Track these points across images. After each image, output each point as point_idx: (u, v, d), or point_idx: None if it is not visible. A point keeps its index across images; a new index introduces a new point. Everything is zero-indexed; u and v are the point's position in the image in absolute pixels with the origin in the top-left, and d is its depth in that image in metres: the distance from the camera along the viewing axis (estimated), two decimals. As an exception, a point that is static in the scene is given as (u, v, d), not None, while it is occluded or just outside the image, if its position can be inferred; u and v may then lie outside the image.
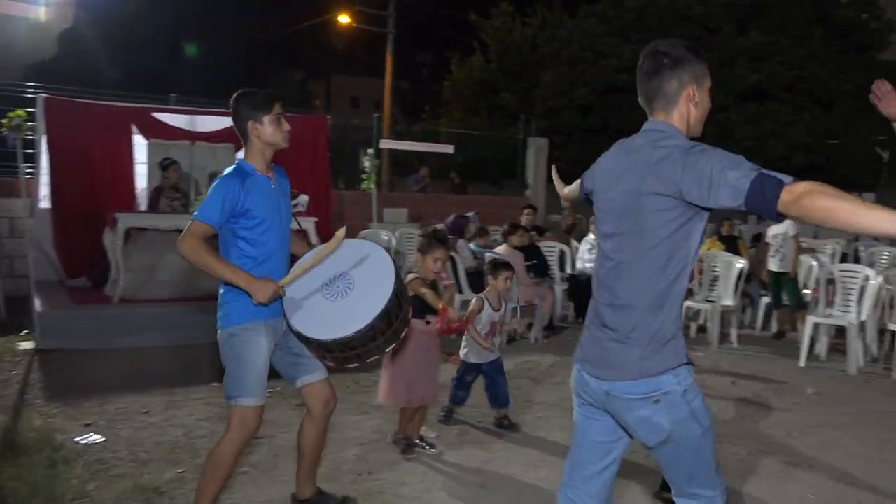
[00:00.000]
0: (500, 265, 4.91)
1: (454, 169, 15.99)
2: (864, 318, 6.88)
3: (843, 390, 6.06)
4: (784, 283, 8.05)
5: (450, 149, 12.20)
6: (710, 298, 7.86)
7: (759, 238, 9.19)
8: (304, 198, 7.68)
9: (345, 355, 2.86)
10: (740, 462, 4.27)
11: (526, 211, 9.72)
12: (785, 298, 8.13)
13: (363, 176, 10.79)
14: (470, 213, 10.20)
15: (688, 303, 7.84)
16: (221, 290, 2.93)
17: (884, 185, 16.67)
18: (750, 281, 8.56)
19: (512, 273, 4.88)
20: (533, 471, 4.01)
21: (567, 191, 2.76)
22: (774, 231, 8.28)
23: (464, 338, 4.71)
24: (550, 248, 8.99)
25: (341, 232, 2.98)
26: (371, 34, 22.68)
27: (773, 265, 8.12)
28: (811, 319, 7.03)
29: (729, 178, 1.80)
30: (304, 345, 2.92)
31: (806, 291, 8.12)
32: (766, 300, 8.56)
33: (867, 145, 16.34)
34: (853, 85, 16.55)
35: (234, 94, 2.96)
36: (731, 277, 7.83)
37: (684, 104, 2.08)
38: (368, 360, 2.92)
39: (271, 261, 2.94)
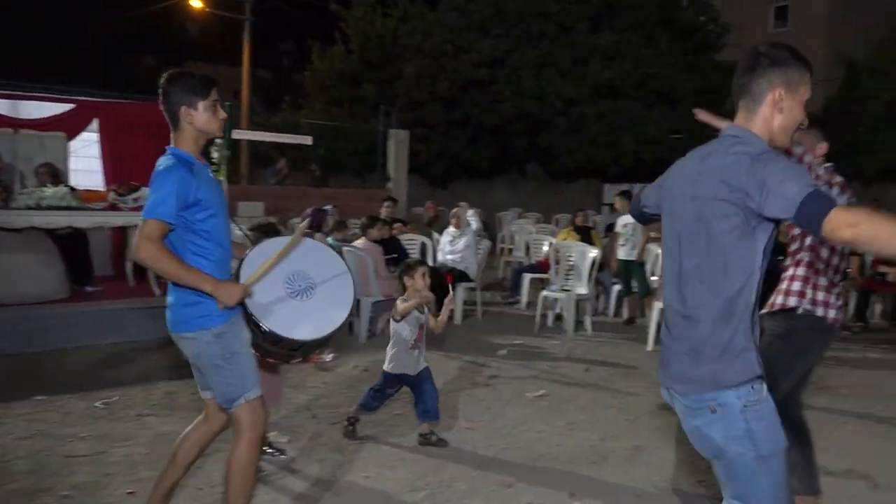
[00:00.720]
0: (411, 264, 4.51)
1: (315, 161, 15.61)
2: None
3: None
4: (633, 270, 8.41)
5: (307, 140, 11.87)
6: (565, 287, 8.07)
7: (611, 228, 9.57)
8: (146, 191, 7.13)
9: (297, 353, 2.97)
10: (592, 448, 4.35)
11: (385, 203, 9.60)
12: (634, 285, 8.50)
13: (213, 167, 10.22)
14: (328, 207, 9.96)
15: (544, 292, 8.03)
16: (184, 290, 2.69)
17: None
18: (602, 269, 8.88)
19: (426, 268, 4.53)
20: (388, 472, 3.89)
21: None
22: (624, 221, 8.63)
23: (389, 349, 4.34)
24: (412, 241, 8.92)
25: (303, 225, 3.00)
26: (229, 20, 21.72)
27: (622, 253, 8.46)
28: (657, 305, 7.37)
29: (786, 189, 1.76)
30: (267, 345, 2.88)
31: (653, 278, 8.52)
32: (617, 288, 8.92)
33: (707, 140, 17.47)
34: (695, 84, 17.72)
35: (166, 76, 2.77)
36: (584, 266, 8.08)
37: (768, 107, 1.99)
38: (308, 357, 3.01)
39: (226, 259, 2.82)
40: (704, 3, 19.25)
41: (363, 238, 7.51)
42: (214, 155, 9.91)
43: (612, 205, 17.50)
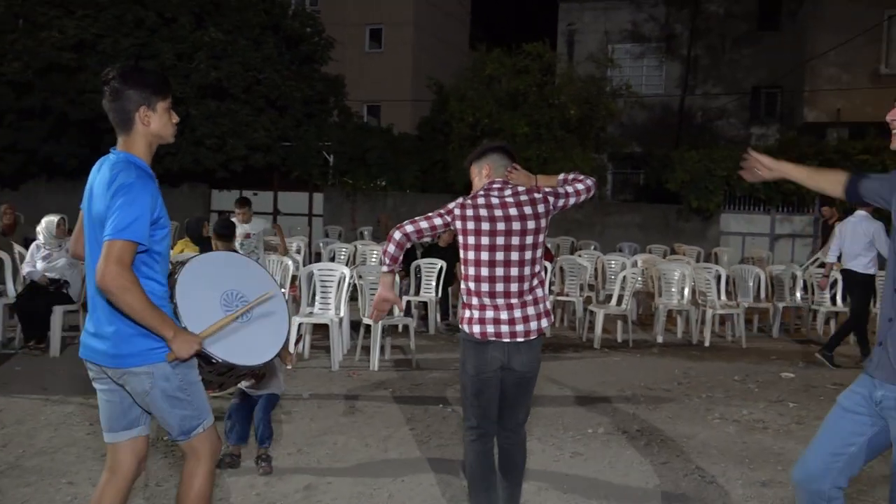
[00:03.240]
0: None
1: None
2: (342, 314, 7.16)
3: (333, 387, 6.13)
4: None
5: None
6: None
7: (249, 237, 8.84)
8: None
9: (241, 379, 3.01)
10: (251, 487, 3.78)
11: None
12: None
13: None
14: None
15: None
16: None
17: (331, 185, 18.40)
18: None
19: None
20: None
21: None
22: (246, 230, 8.04)
23: None
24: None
25: (273, 291, 2.88)
26: None
27: None
28: (295, 319, 7.00)
29: None
30: (212, 377, 2.78)
31: (283, 290, 8.13)
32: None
33: (315, 149, 17.79)
34: (302, 93, 17.81)
35: (118, 70, 2.48)
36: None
37: None
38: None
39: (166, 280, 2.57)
40: (309, 16, 19.53)
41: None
42: None
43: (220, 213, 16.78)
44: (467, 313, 3.15)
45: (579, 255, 11.62)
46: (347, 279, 7.20)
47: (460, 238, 3.13)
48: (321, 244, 12.85)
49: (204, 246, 8.76)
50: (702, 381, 6.85)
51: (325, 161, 18.22)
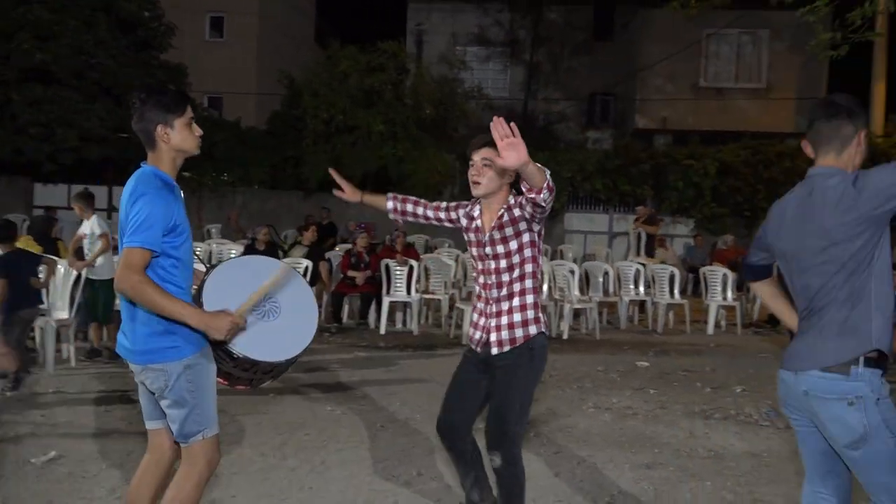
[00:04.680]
0: None
1: None
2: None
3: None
4: (100, 290, 6.94)
5: None
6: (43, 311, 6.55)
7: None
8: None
9: (268, 376, 2.92)
10: None
11: None
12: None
13: None
14: None
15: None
16: (154, 318, 2.57)
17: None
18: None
19: None
20: None
21: None
22: (86, 229, 7.19)
23: None
24: None
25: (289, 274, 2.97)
26: None
27: (91, 272, 6.92)
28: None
29: None
30: (238, 372, 2.82)
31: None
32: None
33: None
34: (142, 81, 16.66)
35: (138, 93, 2.67)
36: (67, 285, 6.72)
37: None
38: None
39: (191, 284, 2.75)
40: (146, -1, 18.32)
41: None
42: None
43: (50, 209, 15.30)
44: (542, 316, 3.20)
45: (439, 254, 11.85)
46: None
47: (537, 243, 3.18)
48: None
49: (48, 246, 8.02)
50: (569, 372, 7.24)
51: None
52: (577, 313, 10.13)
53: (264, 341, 2.78)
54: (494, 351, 3.10)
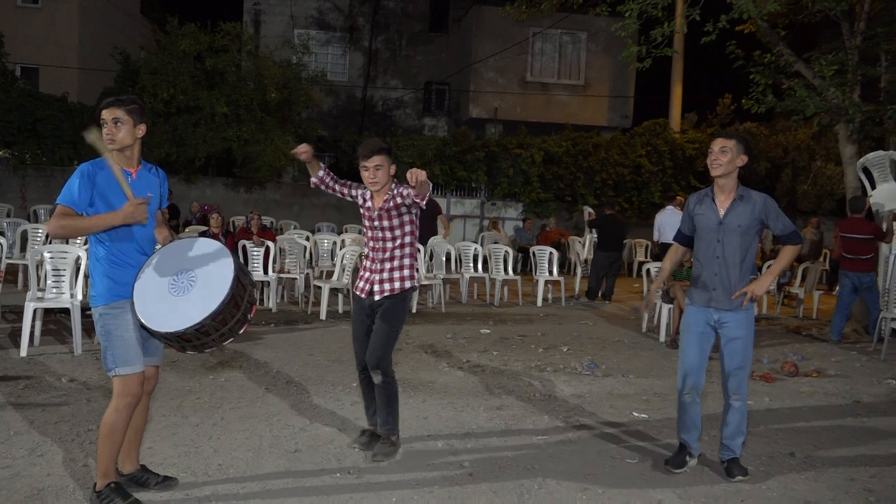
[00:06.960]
0: None
1: None
2: (80, 297, 6.96)
3: (89, 372, 6.08)
4: None
5: None
6: None
7: None
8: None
9: (201, 342, 3.30)
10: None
11: None
12: None
13: None
14: None
15: None
16: (91, 270, 3.35)
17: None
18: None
19: None
20: None
21: None
22: None
23: None
24: None
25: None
26: None
27: None
28: (31, 306, 6.66)
29: None
30: (173, 342, 3.31)
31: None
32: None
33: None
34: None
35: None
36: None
37: None
38: (224, 344, 3.39)
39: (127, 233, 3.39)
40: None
41: None
42: None
43: None
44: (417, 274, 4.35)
45: (289, 235, 12.30)
46: (84, 261, 7.01)
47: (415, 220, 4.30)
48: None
49: None
50: (423, 340, 8.13)
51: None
52: (423, 289, 11.06)
53: (163, 312, 3.25)
54: (377, 298, 4.26)
